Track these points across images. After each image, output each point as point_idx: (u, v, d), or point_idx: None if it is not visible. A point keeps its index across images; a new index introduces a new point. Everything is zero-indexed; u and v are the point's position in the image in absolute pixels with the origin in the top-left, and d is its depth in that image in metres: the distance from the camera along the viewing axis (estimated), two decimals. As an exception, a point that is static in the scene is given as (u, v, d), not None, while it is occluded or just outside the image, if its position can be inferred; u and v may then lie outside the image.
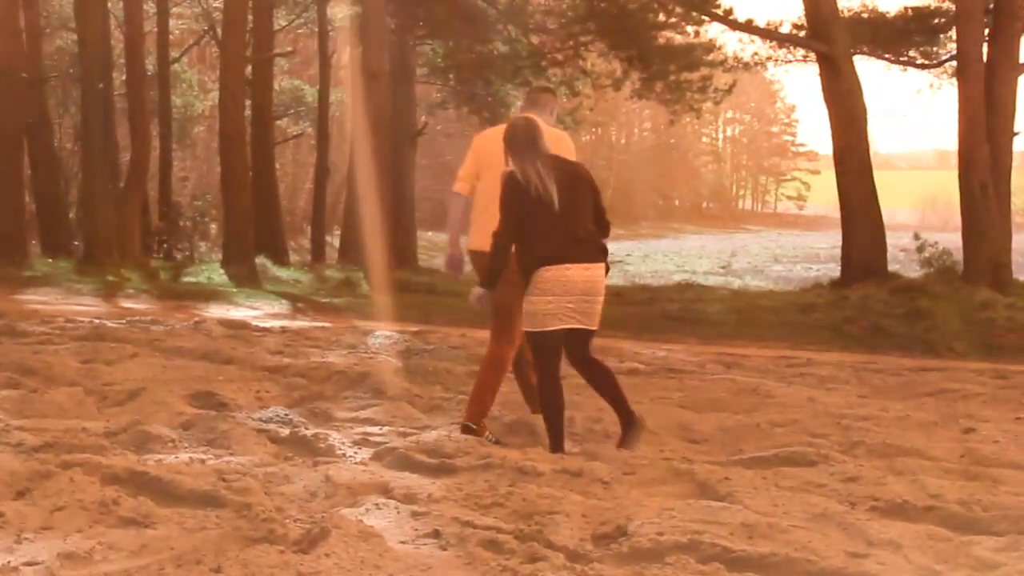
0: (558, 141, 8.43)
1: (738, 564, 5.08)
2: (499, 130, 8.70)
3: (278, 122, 37.75)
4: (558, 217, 7.42)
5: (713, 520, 5.65)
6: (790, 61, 26.48)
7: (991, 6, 21.43)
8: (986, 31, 21.31)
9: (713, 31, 32.76)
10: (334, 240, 39.58)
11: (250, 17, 28.88)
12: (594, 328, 7.66)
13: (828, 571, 5.01)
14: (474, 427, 8.03)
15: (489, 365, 8.31)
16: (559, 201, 7.41)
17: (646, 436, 7.87)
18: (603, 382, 7.80)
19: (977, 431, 8.58)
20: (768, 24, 25.24)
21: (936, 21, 24.73)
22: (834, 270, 25.05)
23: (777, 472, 6.94)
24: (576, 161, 7.87)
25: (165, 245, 31.14)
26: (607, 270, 7.72)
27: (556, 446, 7.54)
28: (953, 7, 22.49)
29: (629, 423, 7.67)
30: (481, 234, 8.30)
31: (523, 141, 7.64)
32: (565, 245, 7.45)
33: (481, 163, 8.68)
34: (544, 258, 7.46)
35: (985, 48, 21.16)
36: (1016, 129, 21.69)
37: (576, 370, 7.88)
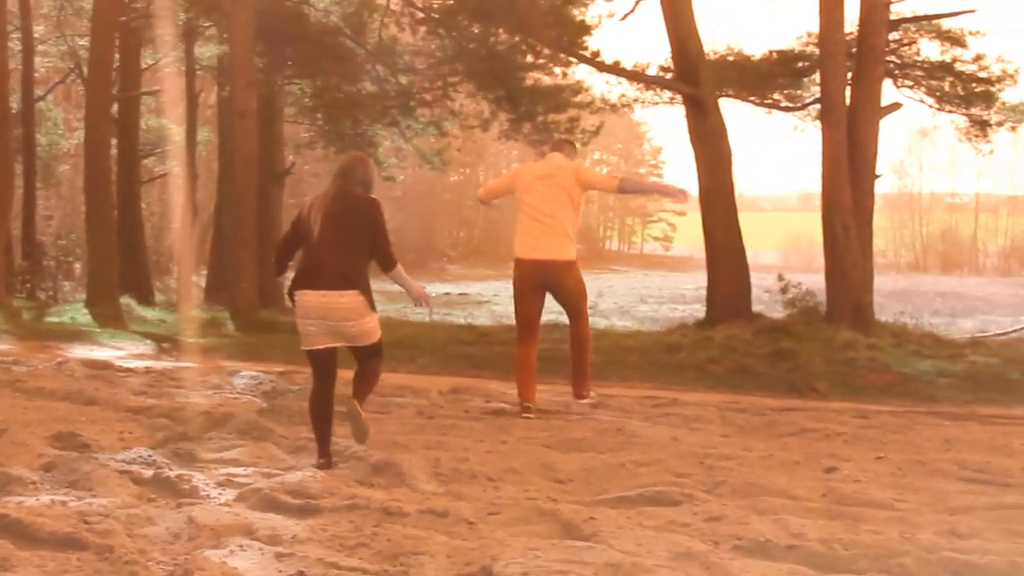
0: (560, 166, 11.41)
1: (602, 603, 5.11)
2: (536, 163, 11.96)
3: (144, 161, 37.32)
4: (314, 245, 8.08)
5: (578, 560, 5.68)
6: (657, 103, 26.57)
7: (854, 50, 21.77)
8: (849, 75, 21.63)
9: (581, 73, 33.03)
10: (200, 280, 39.24)
11: (117, 56, 28.60)
12: (365, 343, 8.35)
13: (690, 609, 5.06)
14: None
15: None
16: (319, 231, 8.05)
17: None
18: (362, 374, 8.51)
19: (839, 470, 8.68)
20: (635, 66, 25.41)
21: (800, 64, 25.03)
22: (699, 310, 25.15)
23: (641, 512, 6.99)
24: (367, 197, 8.31)
25: (28, 285, 30.59)
26: (370, 302, 8.19)
27: (320, 455, 8.34)
28: (817, 51, 22.79)
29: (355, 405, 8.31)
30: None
31: (335, 172, 8.51)
32: (309, 271, 8.11)
33: (517, 186, 11.55)
34: (295, 281, 8.19)
35: (848, 91, 21.47)
36: (878, 172, 22.00)
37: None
